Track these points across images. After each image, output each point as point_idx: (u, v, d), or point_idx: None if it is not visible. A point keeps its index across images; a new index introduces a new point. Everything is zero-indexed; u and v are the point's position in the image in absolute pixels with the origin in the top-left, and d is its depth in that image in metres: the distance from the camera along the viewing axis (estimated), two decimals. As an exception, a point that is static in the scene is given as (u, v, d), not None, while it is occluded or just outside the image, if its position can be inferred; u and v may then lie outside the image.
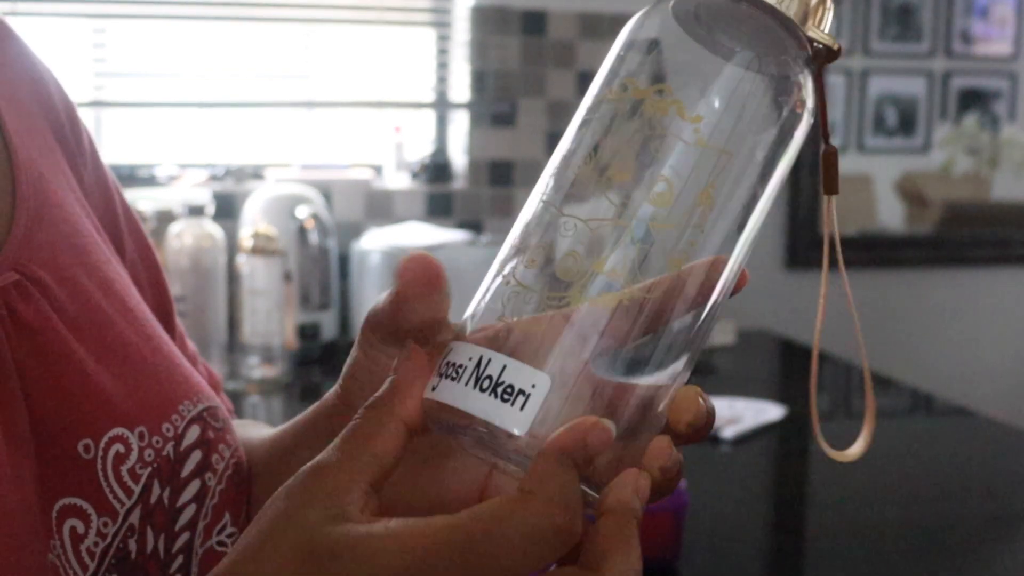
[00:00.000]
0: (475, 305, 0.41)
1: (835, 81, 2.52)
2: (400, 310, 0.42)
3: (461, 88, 2.22)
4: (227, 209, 1.98)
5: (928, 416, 1.84)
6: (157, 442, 0.54)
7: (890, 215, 2.64)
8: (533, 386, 0.37)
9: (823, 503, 1.34)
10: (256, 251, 1.77)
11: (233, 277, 1.85)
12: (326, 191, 2.07)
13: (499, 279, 0.41)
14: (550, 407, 0.37)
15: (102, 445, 0.51)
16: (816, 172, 2.15)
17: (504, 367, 0.38)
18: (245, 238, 1.80)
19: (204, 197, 1.83)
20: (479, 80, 2.18)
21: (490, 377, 0.38)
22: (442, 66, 2.27)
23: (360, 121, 2.26)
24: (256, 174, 2.12)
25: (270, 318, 1.78)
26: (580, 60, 2.22)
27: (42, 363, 0.50)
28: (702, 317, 0.41)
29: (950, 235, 2.61)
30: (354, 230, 2.06)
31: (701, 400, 0.40)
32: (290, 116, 2.24)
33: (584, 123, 0.42)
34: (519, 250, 0.41)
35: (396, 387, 0.39)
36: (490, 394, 0.37)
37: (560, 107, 2.21)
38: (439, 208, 2.18)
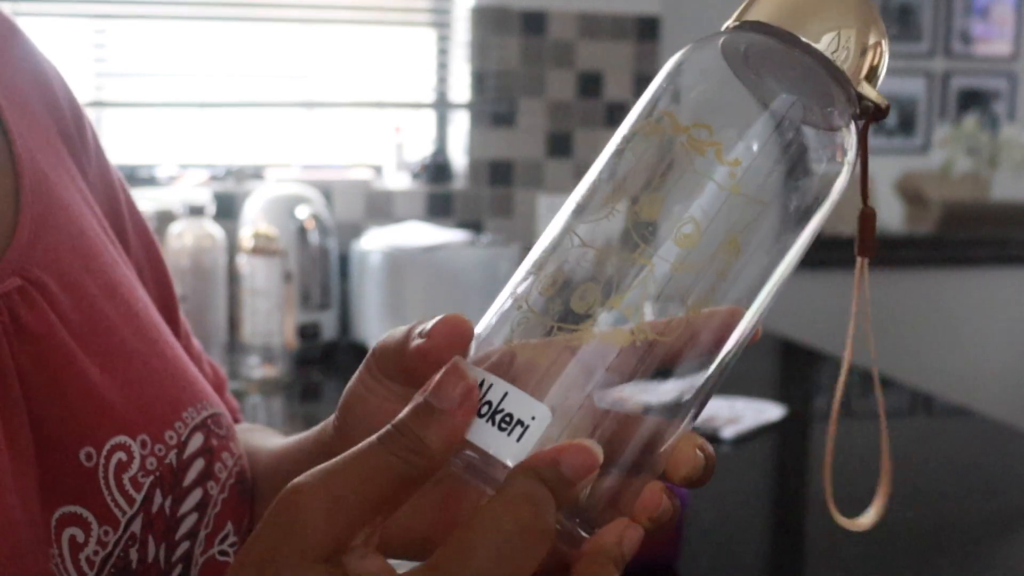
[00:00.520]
0: (484, 324, 0.40)
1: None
2: (418, 363, 0.41)
3: (461, 88, 2.22)
4: (227, 209, 1.98)
5: (928, 416, 1.84)
6: (159, 450, 0.53)
7: (889, 215, 2.65)
8: (533, 418, 0.36)
9: (823, 503, 1.34)
10: (256, 251, 1.77)
11: (233, 277, 1.85)
12: (326, 191, 2.07)
13: (511, 301, 0.40)
14: (547, 438, 0.37)
15: (104, 453, 0.51)
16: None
17: (505, 395, 0.37)
18: (245, 238, 1.80)
19: (204, 197, 1.83)
20: (479, 80, 2.18)
21: (490, 403, 0.37)
22: (442, 66, 2.27)
23: (360, 121, 2.26)
24: (256, 174, 2.12)
25: (270, 318, 1.78)
26: (580, 60, 2.22)
27: (44, 370, 0.49)
28: (712, 366, 0.40)
29: (949, 235, 2.61)
30: (354, 230, 2.06)
31: (700, 452, 0.39)
32: (290, 116, 2.24)
33: (617, 152, 0.41)
34: (534, 274, 0.40)
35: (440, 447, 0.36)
36: (488, 421, 0.36)
37: (560, 107, 2.21)
38: (439, 208, 2.18)
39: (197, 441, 0.55)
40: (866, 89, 0.41)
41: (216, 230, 1.79)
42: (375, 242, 1.94)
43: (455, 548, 0.33)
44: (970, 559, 1.16)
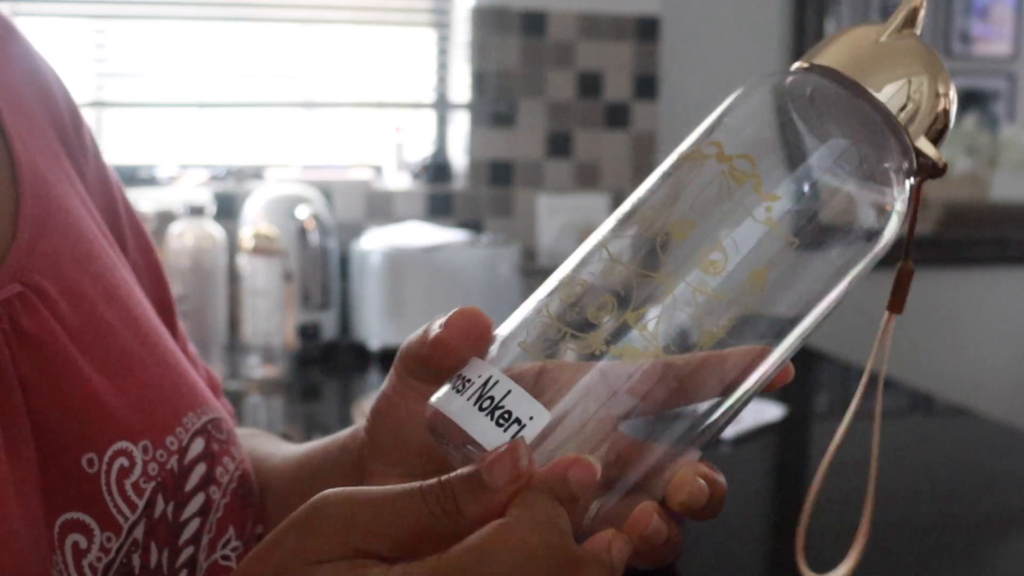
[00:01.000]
0: (506, 325, 0.41)
1: (835, 81, 2.52)
2: (438, 354, 0.41)
3: (461, 88, 2.22)
4: (228, 209, 1.98)
5: (928, 416, 1.84)
6: (161, 455, 0.53)
7: (890, 215, 2.64)
8: (531, 418, 0.37)
9: (823, 503, 1.34)
10: (257, 251, 1.77)
11: (234, 277, 1.86)
12: (326, 191, 2.07)
13: (534, 304, 0.41)
14: (547, 447, 0.37)
15: (106, 459, 0.50)
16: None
17: (508, 392, 0.38)
18: (246, 238, 1.80)
19: (205, 197, 1.83)
20: (479, 80, 2.18)
21: (492, 398, 0.38)
22: (442, 66, 2.27)
23: (360, 121, 2.26)
24: (257, 174, 2.12)
25: (271, 318, 1.78)
26: (580, 60, 2.22)
27: (45, 376, 0.49)
28: (727, 403, 0.40)
29: (949, 235, 2.61)
30: (354, 230, 2.06)
31: (700, 481, 0.39)
32: (290, 116, 2.23)
33: (664, 175, 0.41)
34: (561, 281, 0.41)
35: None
36: (487, 415, 0.37)
37: (560, 107, 2.21)
38: (439, 208, 2.18)
39: (198, 446, 0.55)
40: (925, 145, 0.41)
41: (216, 230, 1.79)
42: (375, 242, 1.94)
43: (479, 563, 0.34)
44: (970, 559, 1.16)
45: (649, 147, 2.25)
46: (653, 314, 0.39)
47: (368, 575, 0.35)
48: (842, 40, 0.42)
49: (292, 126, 2.23)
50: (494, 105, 2.18)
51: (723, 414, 0.40)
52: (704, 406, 0.40)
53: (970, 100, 2.65)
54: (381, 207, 2.14)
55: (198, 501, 0.55)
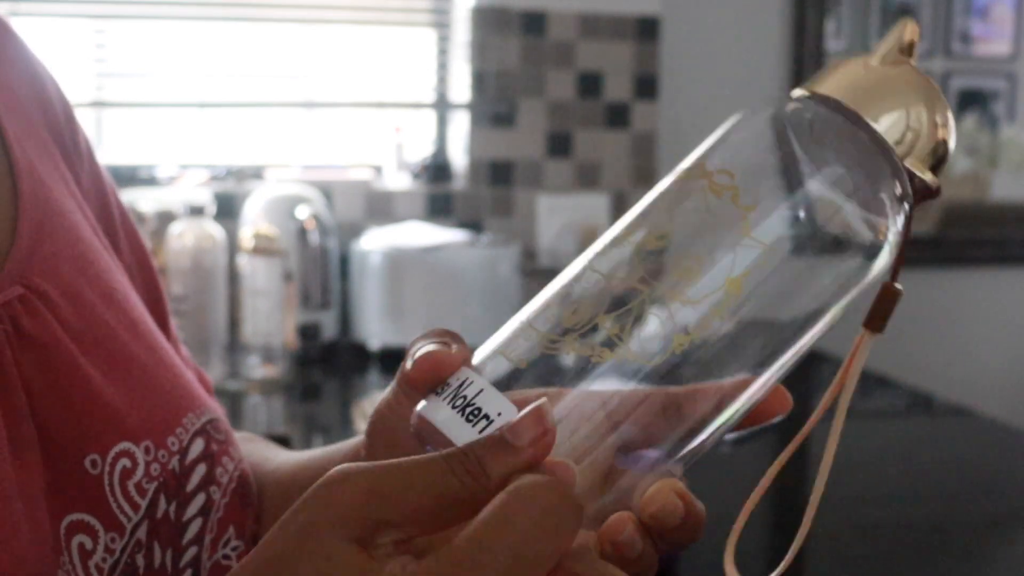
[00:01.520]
0: (494, 338, 0.43)
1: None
2: (405, 383, 0.43)
3: (461, 88, 2.22)
4: (228, 209, 1.98)
5: (928, 416, 1.84)
6: (163, 456, 0.53)
7: (890, 215, 2.64)
8: (499, 414, 0.38)
9: (823, 503, 1.34)
10: (257, 251, 1.77)
11: (234, 277, 1.86)
12: (326, 191, 2.07)
13: (521, 316, 0.42)
14: None
15: (109, 460, 0.51)
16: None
17: (480, 391, 0.39)
18: (246, 238, 1.80)
19: (205, 197, 1.83)
20: (479, 80, 2.18)
21: (464, 397, 0.39)
22: (442, 66, 2.27)
23: (360, 121, 2.26)
24: (256, 174, 2.12)
25: (271, 318, 1.78)
26: (580, 60, 2.22)
27: (48, 378, 0.49)
28: (710, 428, 0.42)
29: (949, 235, 2.61)
30: (354, 230, 2.06)
31: (675, 498, 0.40)
32: (290, 116, 2.24)
33: (653, 194, 0.43)
34: (548, 297, 0.42)
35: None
36: (459, 412, 0.39)
37: (560, 107, 2.21)
38: (439, 208, 2.18)
39: (198, 446, 0.56)
40: (923, 174, 0.42)
41: (216, 230, 1.79)
42: (375, 242, 1.94)
43: (494, 521, 0.34)
44: (970, 559, 1.16)
45: (649, 147, 2.25)
46: (624, 316, 0.40)
47: (383, 571, 0.35)
48: (842, 70, 0.43)
49: (292, 126, 2.23)
50: (494, 105, 2.18)
51: (707, 437, 0.42)
52: (690, 426, 0.41)
53: (970, 100, 2.65)
54: (381, 207, 2.14)
55: (199, 501, 0.55)
